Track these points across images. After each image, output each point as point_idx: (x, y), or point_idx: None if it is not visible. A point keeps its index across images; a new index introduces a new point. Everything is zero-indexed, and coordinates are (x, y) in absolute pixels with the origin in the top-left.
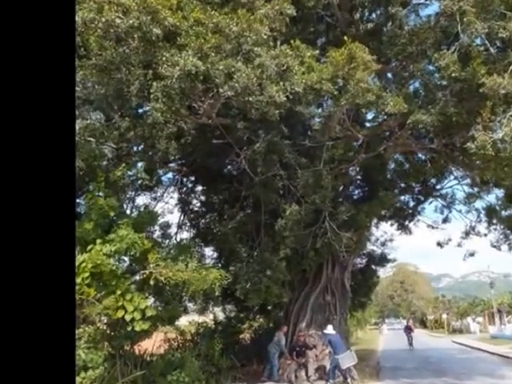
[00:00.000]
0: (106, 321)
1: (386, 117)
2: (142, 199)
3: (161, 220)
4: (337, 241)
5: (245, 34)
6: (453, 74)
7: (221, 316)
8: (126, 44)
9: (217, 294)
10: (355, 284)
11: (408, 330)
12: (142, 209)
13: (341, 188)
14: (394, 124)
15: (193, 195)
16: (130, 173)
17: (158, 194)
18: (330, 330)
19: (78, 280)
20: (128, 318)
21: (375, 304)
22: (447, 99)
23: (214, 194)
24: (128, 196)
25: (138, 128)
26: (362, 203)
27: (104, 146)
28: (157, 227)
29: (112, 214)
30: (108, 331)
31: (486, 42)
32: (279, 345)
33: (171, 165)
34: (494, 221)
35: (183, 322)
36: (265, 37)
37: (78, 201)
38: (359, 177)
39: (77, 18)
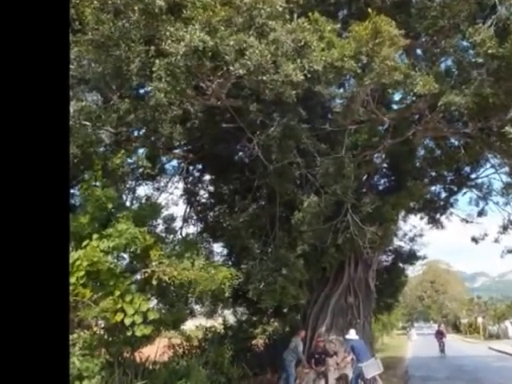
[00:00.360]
0: (103, 325)
1: (414, 98)
2: (143, 189)
3: (164, 213)
4: (360, 236)
5: (258, 5)
6: (489, 51)
7: (231, 320)
8: (125, 17)
9: (227, 295)
10: (380, 284)
11: (439, 335)
12: (143, 200)
13: (365, 177)
14: (424, 106)
15: (200, 185)
16: (130, 160)
17: (162, 184)
18: (352, 334)
19: (72, 280)
20: (128, 321)
21: (403, 306)
22: (483, 78)
23: (224, 183)
24: (128, 186)
25: (139, 110)
26: (388, 194)
27: (101, 130)
28: (160, 221)
29: (110, 206)
30: (105, 336)
31: None
32: (296, 352)
33: (176, 151)
34: None
35: (189, 326)
36: (280, 9)
37: (71, 191)
38: (385, 165)
39: None
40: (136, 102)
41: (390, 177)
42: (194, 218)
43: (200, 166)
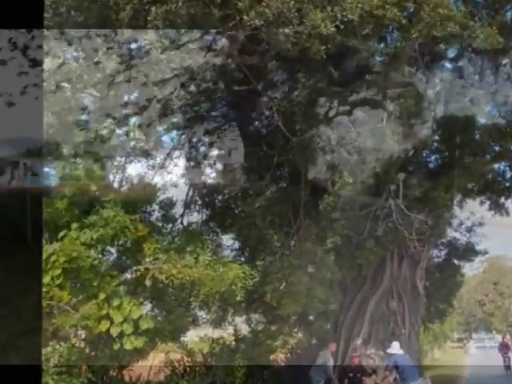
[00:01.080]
0: (84, 336)
1: (473, 54)
2: (134, 167)
3: (161, 196)
4: (405, 225)
5: None
6: None
7: (244, 329)
8: None
9: (238, 298)
10: (431, 285)
11: (504, 348)
12: (135, 181)
13: (411, 153)
14: (486, 64)
15: (206, 162)
16: (118, 131)
17: (158, 161)
18: (395, 348)
19: (46, 279)
20: (115, 331)
21: (459, 313)
22: None
23: (236, 160)
24: (116, 163)
25: (131, 70)
26: (440, 174)
27: (83, 94)
28: (156, 206)
29: (93, 187)
30: (87, 350)
31: None
32: (325, 369)
33: (176, 120)
34: None
35: (191, 337)
36: None
37: (46, 170)
38: (436, 137)
39: None
40: (127, 59)
41: (442, 152)
42: (199, 203)
43: (206, 139)
